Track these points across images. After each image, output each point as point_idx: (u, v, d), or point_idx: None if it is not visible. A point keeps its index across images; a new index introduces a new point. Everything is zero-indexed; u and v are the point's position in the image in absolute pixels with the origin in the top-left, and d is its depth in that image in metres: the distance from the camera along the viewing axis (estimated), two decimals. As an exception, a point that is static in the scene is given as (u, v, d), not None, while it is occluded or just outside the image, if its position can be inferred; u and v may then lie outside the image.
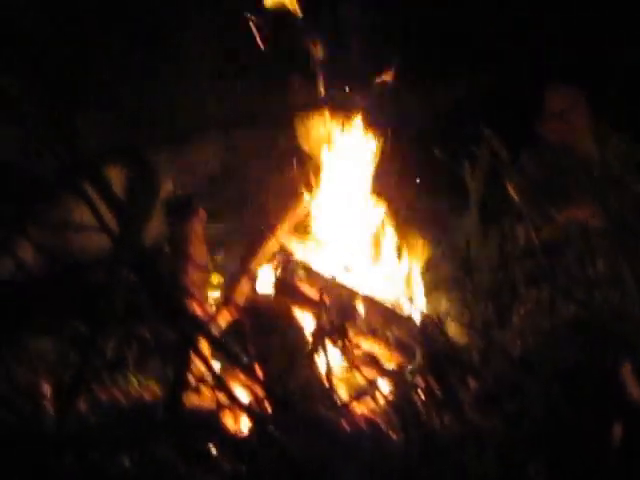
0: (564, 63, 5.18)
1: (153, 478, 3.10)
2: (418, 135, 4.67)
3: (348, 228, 4.12)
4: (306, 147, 4.22)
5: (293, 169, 4.26)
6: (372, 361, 3.62)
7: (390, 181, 4.20)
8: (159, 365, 3.70)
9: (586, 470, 2.96)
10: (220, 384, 3.21)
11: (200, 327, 3.46)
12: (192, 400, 3.51)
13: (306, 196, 4.14)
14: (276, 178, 4.28)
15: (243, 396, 3.47)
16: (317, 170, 4.21)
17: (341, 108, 4.15)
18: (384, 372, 3.58)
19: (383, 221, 4.14)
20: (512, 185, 4.03)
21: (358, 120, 4.18)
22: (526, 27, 5.34)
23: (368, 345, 3.69)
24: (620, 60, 5.12)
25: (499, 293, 3.80)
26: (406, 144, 4.31)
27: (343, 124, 4.19)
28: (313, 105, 4.21)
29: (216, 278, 4.11)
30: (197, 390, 3.50)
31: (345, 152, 4.21)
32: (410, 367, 3.52)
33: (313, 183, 4.15)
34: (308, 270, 3.94)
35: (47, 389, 3.58)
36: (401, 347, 3.65)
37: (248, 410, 3.29)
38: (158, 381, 3.68)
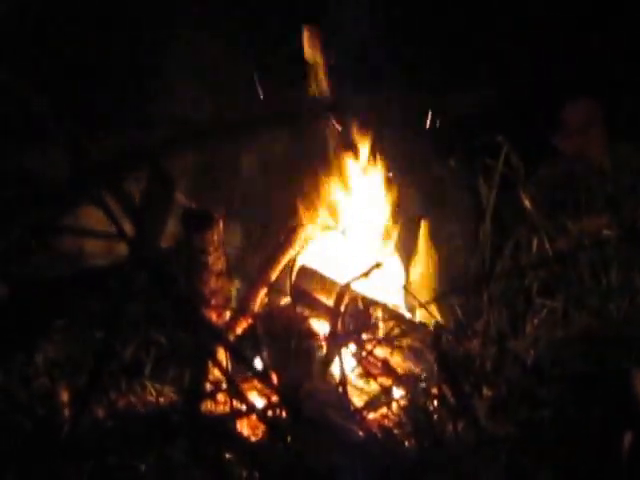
0: (580, 75, 5.20)
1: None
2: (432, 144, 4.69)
3: (362, 235, 4.14)
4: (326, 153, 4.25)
5: (308, 180, 4.29)
6: (386, 368, 3.64)
7: (403, 189, 4.23)
8: (176, 371, 3.72)
9: (597, 478, 2.97)
10: (236, 390, 3.24)
11: (217, 334, 3.49)
12: (208, 406, 3.54)
13: (322, 205, 4.17)
14: (294, 186, 4.30)
15: (258, 402, 3.50)
16: (334, 180, 4.25)
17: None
18: (398, 380, 3.59)
19: (397, 230, 4.16)
20: (526, 195, 4.05)
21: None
22: (543, 40, 5.36)
23: (382, 352, 3.71)
24: (634, 72, 5.14)
25: (513, 302, 3.80)
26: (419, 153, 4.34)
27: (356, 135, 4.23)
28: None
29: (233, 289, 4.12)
30: (213, 396, 3.53)
31: (360, 164, 4.24)
32: (424, 375, 3.54)
33: (329, 193, 4.19)
34: (323, 277, 3.97)
35: (64, 394, 3.60)
36: (415, 355, 3.66)
37: (263, 416, 3.31)
38: (175, 387, 3.70)
